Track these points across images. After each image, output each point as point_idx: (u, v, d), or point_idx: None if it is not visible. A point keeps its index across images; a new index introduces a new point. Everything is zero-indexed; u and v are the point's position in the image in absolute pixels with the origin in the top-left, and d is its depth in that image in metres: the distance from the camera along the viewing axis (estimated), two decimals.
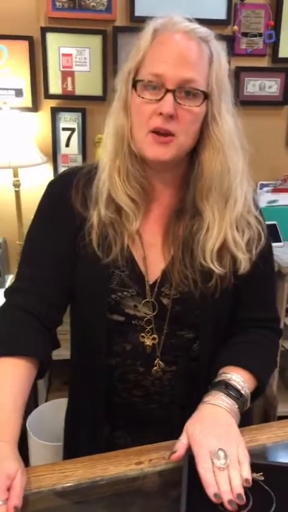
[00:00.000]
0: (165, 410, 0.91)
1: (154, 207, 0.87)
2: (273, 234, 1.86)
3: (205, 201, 0.82)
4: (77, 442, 0.98)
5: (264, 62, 1.97)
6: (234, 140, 0.82)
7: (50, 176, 1.94)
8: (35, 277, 0.85)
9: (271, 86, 1.98)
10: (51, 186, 0.91)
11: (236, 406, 0.76)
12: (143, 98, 0.76)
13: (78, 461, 0.75)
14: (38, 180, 1.93)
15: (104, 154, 0.84)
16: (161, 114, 0.75)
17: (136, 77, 0.78)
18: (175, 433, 0.76)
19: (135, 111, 0.79)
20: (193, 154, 0.82)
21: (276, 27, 1.91)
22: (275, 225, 1.95)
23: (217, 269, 0.82)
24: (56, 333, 0.89)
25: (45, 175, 1.93)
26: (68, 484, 0.70)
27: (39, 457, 1.53)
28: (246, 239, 0.84)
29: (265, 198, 2.07)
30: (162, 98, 0.75)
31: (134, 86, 0.78)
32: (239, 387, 0.78)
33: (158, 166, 0.82)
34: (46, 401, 1.84)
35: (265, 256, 0.88)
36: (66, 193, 0.86)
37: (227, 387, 0.78)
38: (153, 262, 0.86)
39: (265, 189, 2.07)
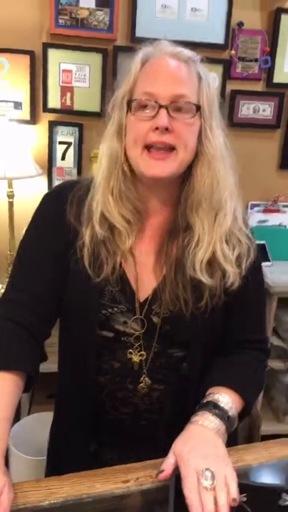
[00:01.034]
0: (153, 428, 0.92)
1: (147, 226, 0.89)
2: (262, 253, 1.89)
3: (195, 214, 0.84)
4: (62, 458, 0.98)
5: (259, 86, 2.02)
6: (224, 155, 0.85)
7: (44, 188, 1.96)
8: (26, 289, 0.86)
9: (265, 110, 2.03)
10: (46, 198, 0.92)
11: (224, 427, 0.78)
12: (137, 116, 0.79)
13: (64, 478, 0.75)
14: (32, 192, 1.94)
15: (98, 175, 0.86)
16: (156, 128, 0.78)
17: (130, 98, 0.81)
18: (162, 451, 0.77)
19: (130, 130, 0.81)
20: (185, 173, 0.85)
21: (272, 53, 1.97)
22: (264, 244, 1.99)
23: (206, 280, 0.83)
24: (44, 346, 0.89)
25: (39, 187, 1.95)
26: (54, 501, 0.70)
27: (21, 471, 1.51)
28: (236, 254, 0.86)
29: (255, 218, 2.10)
30: (156, 114, 0.78)
31: (129, 106, 0.80)
32: (227, 408, 0.79)
33: (154, 184, 0.83)
34: (29, 414, 1.82)
35: (255, 273, 0.90)
36: (61, 207, 0.87)
37: (215, 407, 0.79)
38: (145, 280, 0.88)
39: (256, 209, 2.11)
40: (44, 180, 1.95)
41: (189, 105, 0.79)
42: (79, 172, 1.97)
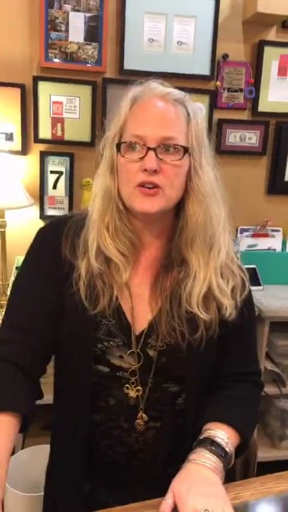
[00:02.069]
0: (149, 468, 0.90)
1: (142, 259, 0.90)
2: (252, 277, 1.92)
3: (190, 250, 0.86)
4: (57, 499, 0.96)
5: (244, 115, 2.08)
6: (215, 191, 0.87)
7: (36, 217, 1.97)
8: (21, 327, 0.85)
9: (251, 138, 2.08)
10: (40, 234, 0.93)
11: (221, 464, 0.77)
12: (127, 158, 0.81)
13: None
14: (23, 221, 1.95)
15: (94, 211, 0.87)
16: (145, 170, 0.79)
17: (120, 141, 0.83)
18: (158, 491, 0.76)
19: (121, 170, 0.83)
20: (179, 207, 0.87)
21: (256, 84, 2.04)
22: (254, 268, 2.01)
23: (202, 315, 0.84)
24: (39, 384, 0.88)
25: (31, 216, 1.96)
26: None
27: (17, 509, 1.47)
28: (231, 287, 0.87)
29: (245, 242, 2.13)
30: (144, 156, 0.80)
31: (118, 148, 0.83)
32: (224, 444, 0.79)
33: (146, 218, 0.85)
34: (23, 447, 1.78)
35: (249, 305, 0.91)
36: (55, 241, 0.88)
37: (212, 444, 0.79)
38: (141, 313, 0.88)
39: (245, 233, 2.14)
40: (35, 209, 1.97)
41: (177, 148, 0.81)
42: (71, 200, 1.99)
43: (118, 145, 0.83)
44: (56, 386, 0.96)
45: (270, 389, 1.87)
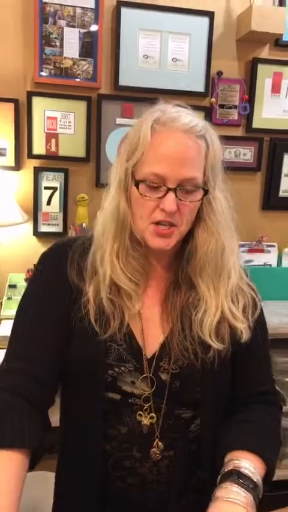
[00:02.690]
0: (162, 499, 0.86)
1: (152, 282, 0.88)
2: None
3: (199, 278, 0.84)
4: None
5: (239, 132, 2.09)
6: (227, 219, 0.85)
7: (30, 234, 1.93)
8: (28, 357, 0.81)
9: (246, 154, 2.09)
10: (44, 258, 0.89)
11: (251, 498, 0.73)
12: (145, 196, 0.79)
13: None
14: (17, 237, 1.91)
15: (103, 234, 0.84)
16: (163, 210, 0.78)
17: (136, 172, 0.80)
18: None
19: (136, 204, 0.81)
20: (188, 232, 0.85)
21: (250, 101, 2.05)
22: None
23: (216, 344, 0.82)
24: (47, 415, 0.83)
25: (25, 232, 1.92)
26: None
27: None
28: (242, 306, 0.85)
29: (241, 258, 2.13)
30: (164, 196, 0.78)
31: (136, 185, 0.80)
32: (251, 475, 0.75)
33: (159, 252, 0.84)
34: None
35: (261, 324, 0.89)
36: (61, 265, 0.85)
37: (240, 477, 0.75)
38: (152, 335, 0.85)
39: (241, 249, 2.13)
40: (29, 226, 1.92)
41: (198, 189, 0.79)
42: (65, 216, 1.96)
43: (137, 183, 0.80)
44: (64, 414, 0.92)
45: None
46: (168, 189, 0.77)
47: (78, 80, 1.89)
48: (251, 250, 2.14)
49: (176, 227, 0.80)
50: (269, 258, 2.16)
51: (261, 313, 0.90)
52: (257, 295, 0.89)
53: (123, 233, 0.82)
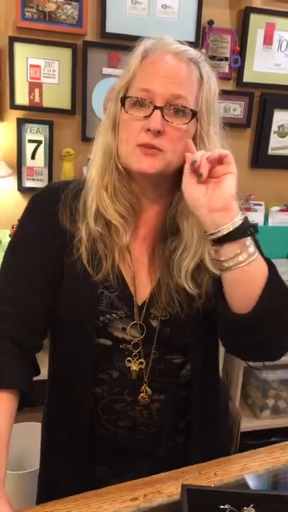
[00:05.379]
0: (151, 441, 0.89)
1: (141, 224, 0.86)
2: None
3: (185, 221, 0.82)
4: (54, 477, 0.93)
5: (229, 86, 2.03)
6: None
7: (14, 189, 1.87)
8: (16, 301, 0.80)
9: (235, 109, 2.04)
10: (34, 201, 0.87)
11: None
12: (131, 114, 0.77)
13: (69, 500, 0.71)
14: (1, 192, 1.85)
15: (92, 170, 0.83)
16: (148, 130, 0.75)
17: (125, 95, 0.78)
18: (158, 466, 0.75)
19: (123, 127, 0.79)
20: (180, 175, 0.82)
21: (242, 52, 1.98)
22: None
23: (191, 289, 0.81)
24: (36, 360, 0.84)
25: (8, 187, 1.86)
26: None
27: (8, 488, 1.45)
28: None
29: None
30: (150, 114, 0.75)
31: (123, 103, 0.78)
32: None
33: (144, 180, 0.81)
34: None
35: None
36: (51, 209, 0.83)
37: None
38: (142, 283, 0.85)
39: None
40: (14, 181, 1.87)
41: (185, 110, 0.76)
42: (50, 172, 1.90)
43: (123, 100, 0.78)
44: (53, 360, 0.93)
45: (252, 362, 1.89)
46: (155, 108, 0.75)
47: (62, 25, 1.79)
48: None
49: (161, 152, 0.76)
50: (256, 217, 2.15)
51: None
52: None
53: (110, 164, 0.81)
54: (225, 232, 0.70)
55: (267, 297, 0.72)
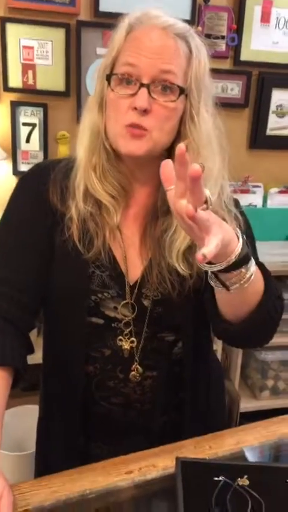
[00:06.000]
0: (145, 418, 0.89)
1: (132, 204, 0.85)
2: None
3: None
4: (50, 454, 0.94)
5: (226, 65, 2.00)
6: (211, 141, 0.80)
7: (9, 173, 1.86)
8: (8, 280, 0.80)
9: (233, 89, 2.01)
10: (24, 179, 0.86)
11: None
12: (117, 92, 0.74)
13: (64, 474, 0.72)
14: None
15: (80, 150, 0.81)
16: (135, 108, 0.73)
17: (111, 72, 0.76)
18: (152, 442, 0.75)
19: (110, 106, 0.77)
20: (170, 153, 0.81)
21: (239, 30, 1.94)
22: None
23: (182, 270, 0.80)
24: (29, 338, 0.84)
25: (4, 171, 1.85)
26: (57, 500, 0.66)
27: (5, 469, 1.47)
28: None
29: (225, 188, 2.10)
30: (136, 92, 0.73)
31: (108, 80, 0.75)
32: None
33: (132, 162, 0.80)
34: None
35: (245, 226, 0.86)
36: (41, 187, 0.82)
37: None
38: (133, 262, 0.84)
39: None
40: (8, 164, 1.85)
41: (173, 87, 0.74)
42: (45, 155, 1.89)
43: (108, 77, 0.76)
44: (46, 339, 0.93)
45: None
46: (141, 85, 0.73)
47: (55, 5, 1.76)
48: (236, 191, 2.11)
49: (147, 131, 0.74)
50: (255, 199, 2.14)
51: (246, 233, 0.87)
52: (241, 225, 0.85)
53: (98, 144, 0.79)
54: (220, 268, 0.64)
55: (258, 313, 0.73)
